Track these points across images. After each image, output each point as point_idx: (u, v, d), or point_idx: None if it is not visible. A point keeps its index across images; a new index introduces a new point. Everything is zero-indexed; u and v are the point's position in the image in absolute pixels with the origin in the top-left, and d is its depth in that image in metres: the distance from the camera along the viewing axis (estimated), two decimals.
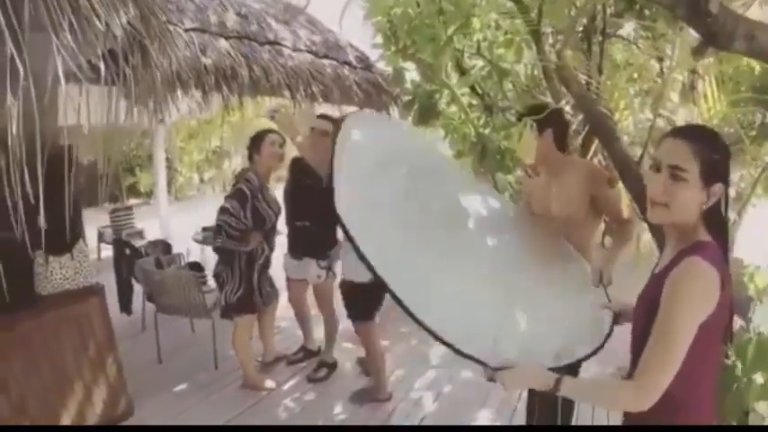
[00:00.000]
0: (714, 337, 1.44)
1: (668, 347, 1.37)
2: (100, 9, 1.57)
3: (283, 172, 4.27)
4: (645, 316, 1.49)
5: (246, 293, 3.79)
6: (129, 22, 1.73)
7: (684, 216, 1.46)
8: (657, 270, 1.56)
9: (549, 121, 2.68)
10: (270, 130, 3.84)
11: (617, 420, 1.69)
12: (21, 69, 1.33)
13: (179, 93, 3.10)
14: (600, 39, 3.77)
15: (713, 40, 1.60)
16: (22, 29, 1.40)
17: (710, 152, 1.42)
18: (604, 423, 3.48)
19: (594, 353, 1.71)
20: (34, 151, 1.64)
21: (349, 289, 3.63)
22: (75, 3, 1.51)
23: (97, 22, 1.56)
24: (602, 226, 2.87)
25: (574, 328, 1.85)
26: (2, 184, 1.68)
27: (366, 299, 3.62)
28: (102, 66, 1.62)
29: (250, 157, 3.82)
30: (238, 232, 3.57)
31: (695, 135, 1.46)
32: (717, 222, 1.48)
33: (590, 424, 3.45)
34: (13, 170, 1.57)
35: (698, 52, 1.67)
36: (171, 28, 3.07)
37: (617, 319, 1.86)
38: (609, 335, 1.79)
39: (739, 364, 2.01)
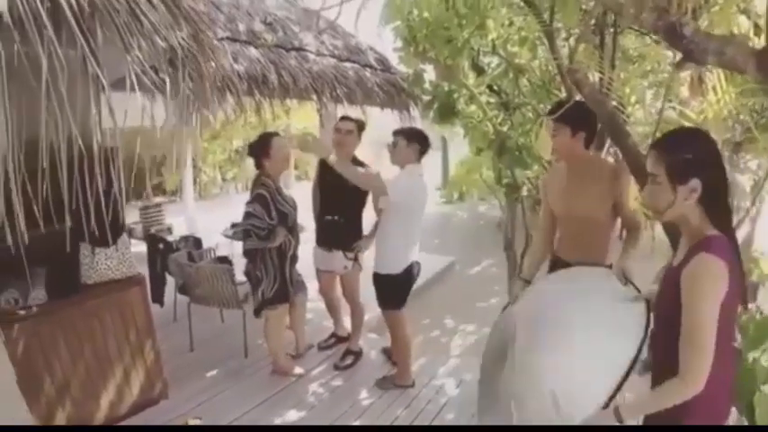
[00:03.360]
0: (725, 320, 1.62)
1: (698, 337, 1.58)
2: (161, 29, 1.82)
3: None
4: (663, 304, 1.74)
5: (282, 286, 3.99)
6: (183, 39, 1.97)
7: (664, 209, 1.68)
8: (674, 264, 1.77)
9: (583, 124, 2.78)
10: (273, 134, 3.98)
11: None
12: (105, 84, 1.57)
13: (215, 98, 3.33)
14: (612, 31, 3.89)
15: (690, 56, 1.84)
16: (98, 49, 1.63)
17: (675, 155, 1.63)
18: None
19: (642, 344, 1.83)
20: (91, 153, 1.88)
21: (381, 280, 3.84)
22: (140, 25, 1.75)
23: (159, 41, 1.81)
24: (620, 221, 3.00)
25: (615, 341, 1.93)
26: (55, 181, 1.87)
27: (396, 289, 3.86)
28: (167, 80, 1.86)
29: (258, 164, 3.95)
30: (265, 231, 3.78)
31: (661, 143, 1.70)
32: (719, 215, 1.67)
33: None
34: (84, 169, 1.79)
35: (679, 66, 1.90)
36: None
37: (650, 306, 1.98)
38: (648, 325, 1.89)
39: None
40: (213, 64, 2.44)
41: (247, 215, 3.78)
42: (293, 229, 4.07)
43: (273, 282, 3.95)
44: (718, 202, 1.66)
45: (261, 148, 3.90)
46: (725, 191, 1.67)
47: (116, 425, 3.59)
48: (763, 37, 2.70)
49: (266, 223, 3.78)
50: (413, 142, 3.73)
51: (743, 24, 3.04)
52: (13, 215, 1.62)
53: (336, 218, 4.25)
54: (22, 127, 1.61)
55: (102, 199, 1.95)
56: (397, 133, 3.81)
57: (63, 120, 1.57)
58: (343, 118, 4.23)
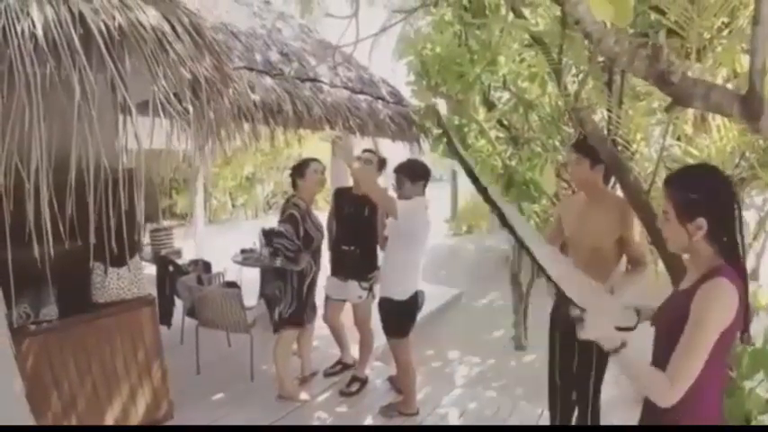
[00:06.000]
0: (725, 344, 1.66)
1: (694, 351, 1.62)
2: (186, 59, 1.92)
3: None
4: (668, 325, 1.75)
5: (299, 309, 4.04)
6: (207, 69, 2.07)
7: (678, 245, 1.75)
8: (683, 287, 1.81)
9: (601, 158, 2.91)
10: (312, 159, 4.10)
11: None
12: (132, 108, 1.66)
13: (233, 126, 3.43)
14: (621, 69, 3.96)
15: (678, 100, 1.98)
16: (126, 74, 1.73)
17: (683, 195, 1.70)
18: None
19: (634, 328, 1.95)
20: (116, 173, 1.96)
21: (387, 307, 3.87)
22: (166, 55, 1.85)
23: (184, 71, 1.90)
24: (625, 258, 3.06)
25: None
26: (62, 201, 1.93)
27: (402, 317, 3.89)
28: (190, 107, 1.95)
29: (294, 184, 4.07)
30: (293, 254, 3.84)
31: (671, 181, 1.76)
32: (728, 249, 1.72)
33: None
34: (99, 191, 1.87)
35: (669, 109, 2.02)
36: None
37: (638, 315, 2.05)
38: (637, 323, 2.01)
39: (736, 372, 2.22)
40: (232, 93, 2.53)
41: (278, 234, 3.86)
42: (316, 254, 4.14)
43: (291, 303, 4.00)
44: (725, 238, 1.70)
45: (298, 169, 4.04)
46: (732, 226, 1.71)
47: (115, 425, 3.59)
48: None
49: (295, 245, 3.85)
50: (417, 180, 3.78)
51: (746, 64, 3.11)
52: (38, 229, 1.68)
53: (353, 248, 4.34)
54: (52, 145, 1.70)
55: (124, 219, 2.03)
56: (398, 172, 3.83)
57: (92, 139, 1.65)
58: (366, 150, 4.37)
